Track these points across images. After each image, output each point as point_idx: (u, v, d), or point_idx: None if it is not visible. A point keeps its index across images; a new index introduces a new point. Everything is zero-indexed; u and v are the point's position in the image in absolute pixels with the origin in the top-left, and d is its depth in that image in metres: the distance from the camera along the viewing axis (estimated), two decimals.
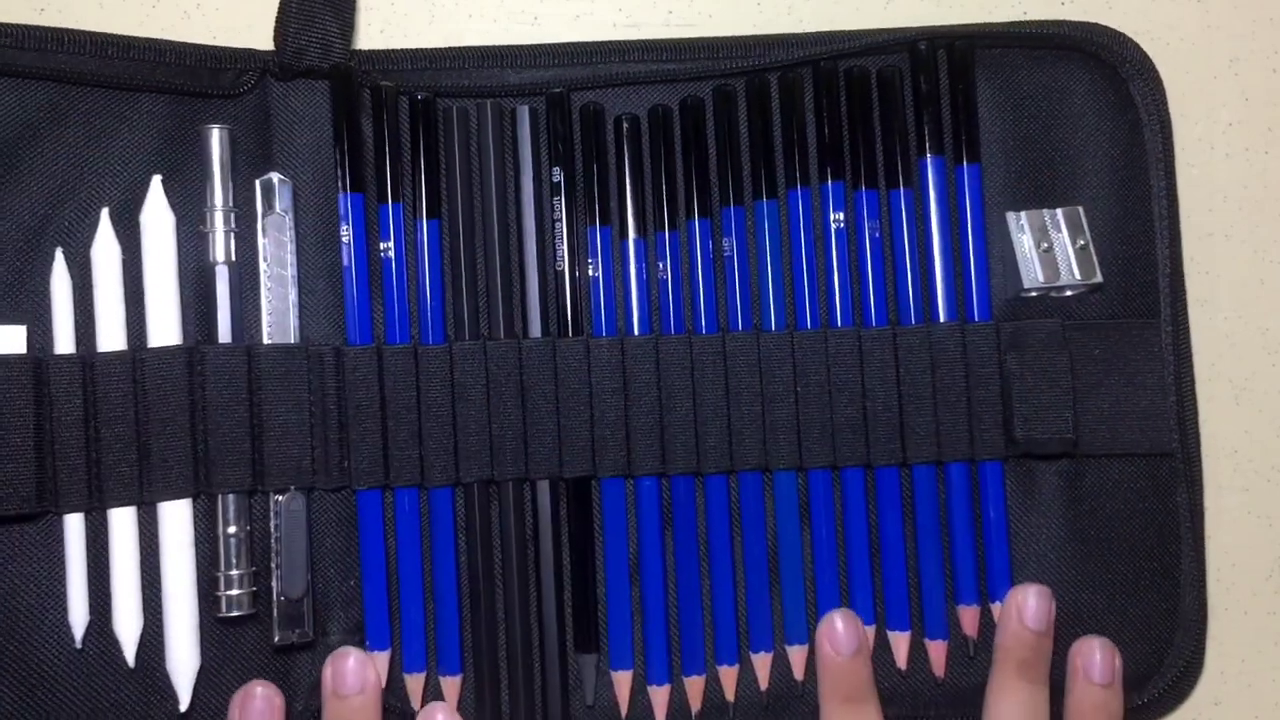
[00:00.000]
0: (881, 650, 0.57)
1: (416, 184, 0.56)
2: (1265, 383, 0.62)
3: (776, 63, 0.58)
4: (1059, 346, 0.57)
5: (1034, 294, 0.58)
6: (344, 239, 0.55)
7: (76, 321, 0.53)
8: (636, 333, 0.57)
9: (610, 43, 0.58)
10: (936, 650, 0.57)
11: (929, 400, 0.57)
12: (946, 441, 0.56)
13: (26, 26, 0.53)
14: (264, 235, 0.55)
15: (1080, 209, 0.58)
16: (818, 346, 0.57)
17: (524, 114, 0.57)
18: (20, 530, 0.52)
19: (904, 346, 0.57)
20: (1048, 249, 0.58)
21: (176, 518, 0.53)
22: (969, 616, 0.57)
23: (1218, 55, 0.63)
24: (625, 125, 0.57)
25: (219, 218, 0.54)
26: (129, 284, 0.53)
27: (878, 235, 0.58)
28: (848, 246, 0.57)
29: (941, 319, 0.57)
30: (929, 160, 0.58)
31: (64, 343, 0.52)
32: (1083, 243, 0.58)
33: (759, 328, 0.57)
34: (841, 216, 0.57)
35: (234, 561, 0.53)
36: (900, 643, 0.57)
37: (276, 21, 0.56)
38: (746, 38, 0.59)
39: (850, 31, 0.59)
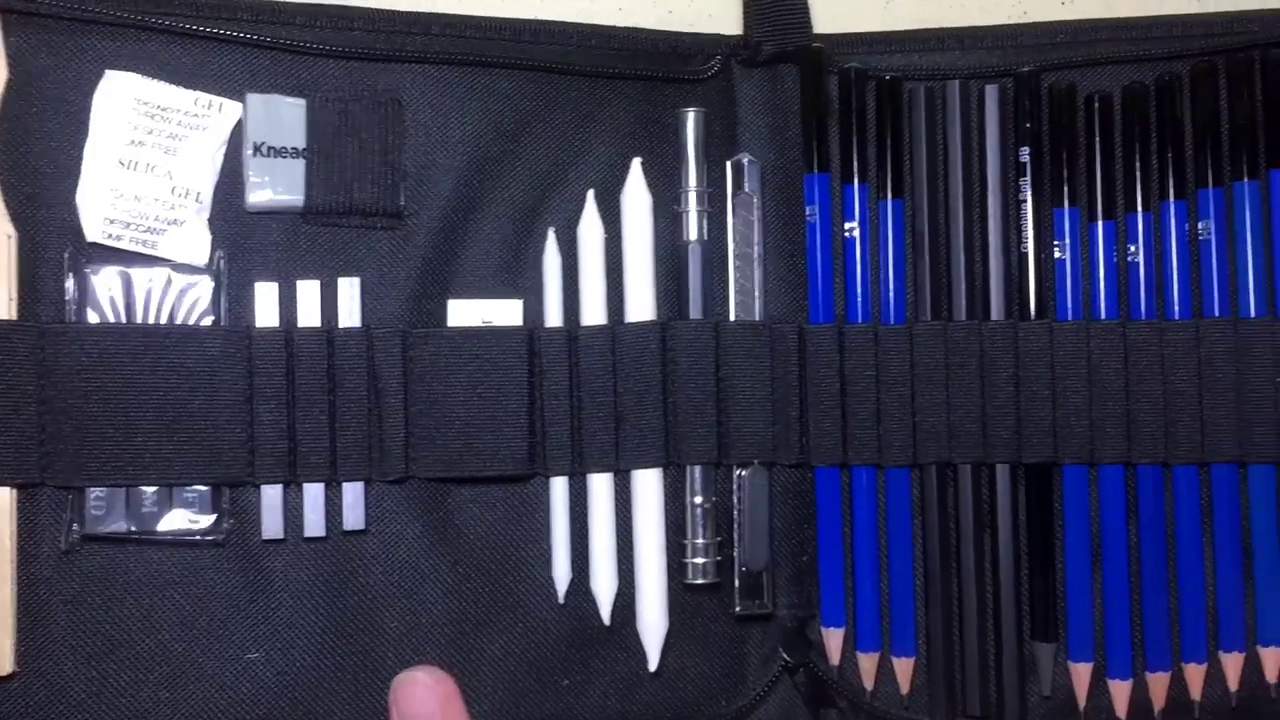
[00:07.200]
0: None
1: (882, 164, 0.56)
2: None
3: (1259, 40, 0.55)
4: None
5: None
6: (810, 219, 0.56)
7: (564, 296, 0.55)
8: (1103, 317, 0.55)
9: (1078, 22, 0.57)
10: None
11: None
12: None
13: (516, 20, 0.56)
14: (733, 215, 0.56)
15: None
16: None
17: (993, 93, 0.56)
18: (518, 491, 0.55)
19: None
20: None
21: (648, 486, 0.55)
22: None
23: None
24: (1097, 104, 0.56)
25: (693, 198, 0.56)
26: (608, 261, 0.56)
27: None
28: None
29: None
30: None
31: (553, 316, 0.55)
32: None
33: (1237, 315, 0.55)
34: None
35: (700, 531, 0.55)
36: None
37: (744, 9, 0.57)
38: (1227, 13, 0.57)
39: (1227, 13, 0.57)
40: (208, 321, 0.51)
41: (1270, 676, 0.54)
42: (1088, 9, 0.61)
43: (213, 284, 0.52)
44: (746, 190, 0.56)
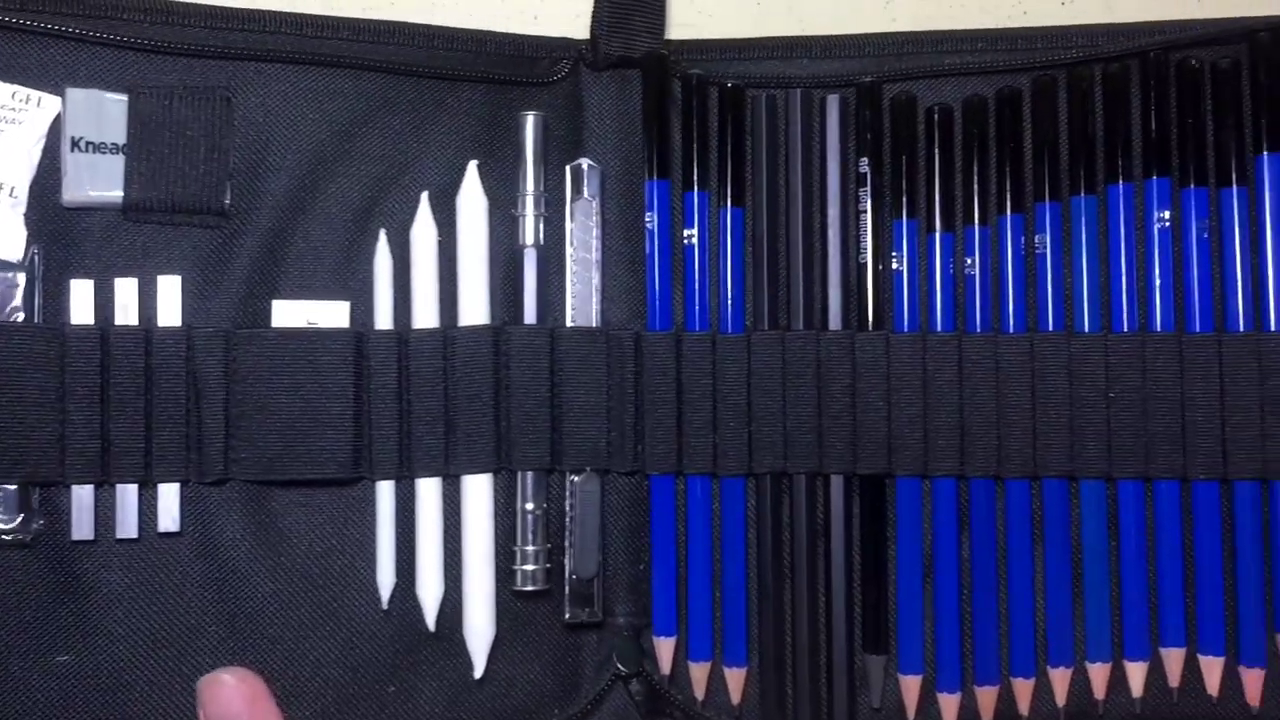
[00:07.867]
0: (1191, 675, 0.54)
1: (723, 172, 0.56)
2: None
3: (1100, 54, 0.55)
4: None
5: None
6: (648, 225, 0.56)
7: (395, 299, 0.55)
8: (940, 329, 0.55)
9: (925, 33, 0.57)
10: (1252, 679, 0.53)
11: (1255, 414, 0.53)
12: (1275, 458, 0.53)
13: (361, 20, 0.56)
14: (571, 220, 0.56)
15: None
16: (1134, 351, 0.54)
17: (834, 103, 0.56)
18: (339, 495, 0.54)
19: (1230, 355, 0.53)
20: None
21: (478, 491, 0.54)
22: None
23: None
24: (938, 116, 0.56)
25: (530, 202, 0.56)
26: (443, 264, 0.55)
27: (1205, 236, 0.54)
28: (1171, 247, 0.54)
29: (1273, 328, 0.53)
30: (1266, 157, 0.54)
31: (383, 318, 0.54)
32: None
33: (1071, 329, 0.55)
34: (1167, 215, 0.54)
35: (530, 537, 0.55)
36: (1213, 668, 0.53)
37: (593, 12, 0.57)
38: (1068, 27, 0.57)
39: (1179, 21, 0.56)
40: (19, 318, 0.51)
41: (1098, 693, 0.54)
42: (1087, 9, 0.61)
43: (26, 280, 0.51)
44: (586, 195, 0.56)
